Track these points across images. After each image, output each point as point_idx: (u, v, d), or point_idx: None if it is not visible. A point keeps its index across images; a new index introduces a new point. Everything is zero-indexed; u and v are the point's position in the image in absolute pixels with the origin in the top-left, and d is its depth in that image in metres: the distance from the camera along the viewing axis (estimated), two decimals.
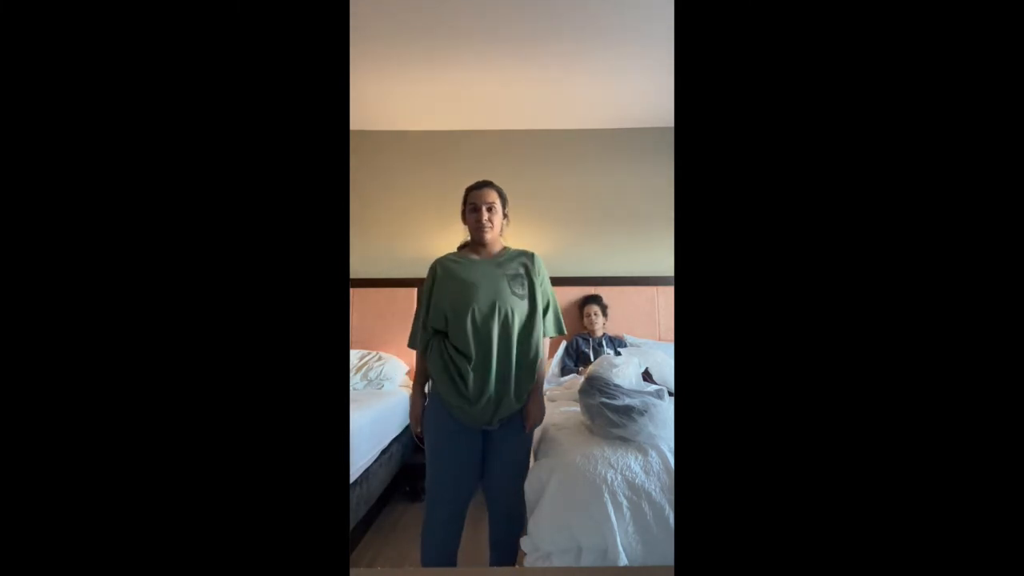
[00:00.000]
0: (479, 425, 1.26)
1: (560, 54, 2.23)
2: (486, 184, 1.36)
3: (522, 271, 1.33)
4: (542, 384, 1.34)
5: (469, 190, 1.37)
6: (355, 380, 2.47)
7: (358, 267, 2.90)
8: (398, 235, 2.95)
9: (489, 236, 1.33)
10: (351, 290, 2.80)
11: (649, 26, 2.02)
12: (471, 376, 1.23)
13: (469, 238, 1.39)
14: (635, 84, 2.52)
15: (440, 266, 1.33)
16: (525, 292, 1.31)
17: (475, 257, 1.35)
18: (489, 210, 1.32)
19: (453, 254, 1.38)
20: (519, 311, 1.28)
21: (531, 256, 1.37)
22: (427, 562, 1.25)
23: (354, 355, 2.60)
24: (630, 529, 1.17)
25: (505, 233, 1.40)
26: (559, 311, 1.41)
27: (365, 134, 3.02)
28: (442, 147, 3.03)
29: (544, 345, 1.36)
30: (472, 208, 1.34)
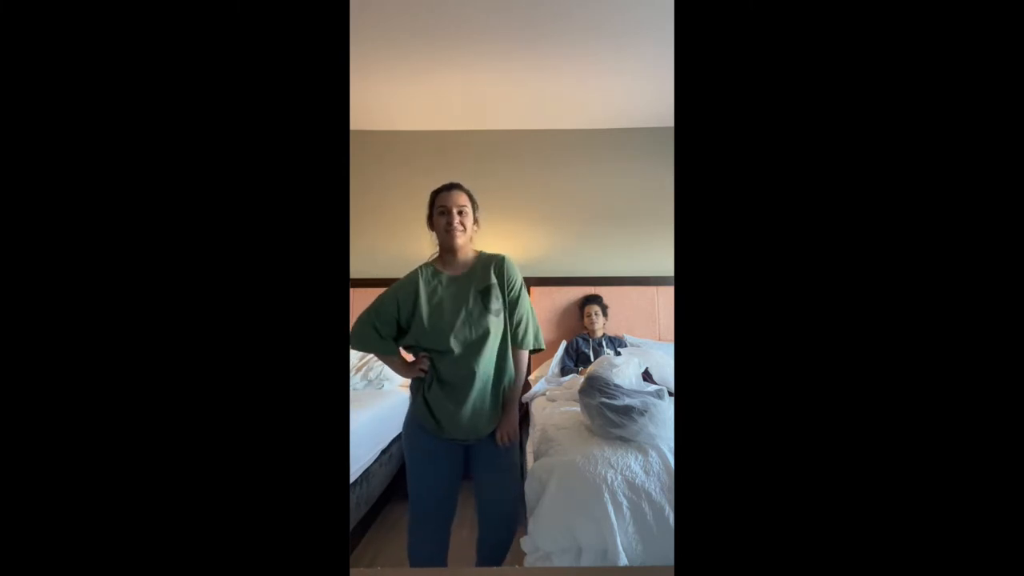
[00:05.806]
0: (458, 440, 1.24)
1: (560, 55, 2.23)
2: (455, 186, 1.28)
3: (494, 280, 1.26)
4: (517, 399, 1.29)
5: (436, 193, 1.28)
6: (355, 380, 2.47)
7: (358, 267, 2.90)
8: (398, 235, 2.94)
9: (459, 241, 1.25)
10: (351, 290, 2.80)
11: (649, 26, 2.02)
12: (448, 403, 1.21)
13: (438, 246, 1.31)
14: (635, 84, 2.52)
15: (416, 284, 1.27)
16: (500, 305, 1.25)
17: (445, 274, 1.28)
18: (460, 213, 1.24)
19: (430, 270, 1.30)
20: (494, 329, 1.23)
21: (501, 260, 1.29)
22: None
23: (354, 355, 2.60)
24: (630, 529, 1.17)
25: (476, 239, 1.33)
26: (537, 323, 1.33)
27: (365, 134, 3.02)
28: (442, 147, 3.03)
29: (523, 358, 1.31)
30: (440, 211, 1.25)
